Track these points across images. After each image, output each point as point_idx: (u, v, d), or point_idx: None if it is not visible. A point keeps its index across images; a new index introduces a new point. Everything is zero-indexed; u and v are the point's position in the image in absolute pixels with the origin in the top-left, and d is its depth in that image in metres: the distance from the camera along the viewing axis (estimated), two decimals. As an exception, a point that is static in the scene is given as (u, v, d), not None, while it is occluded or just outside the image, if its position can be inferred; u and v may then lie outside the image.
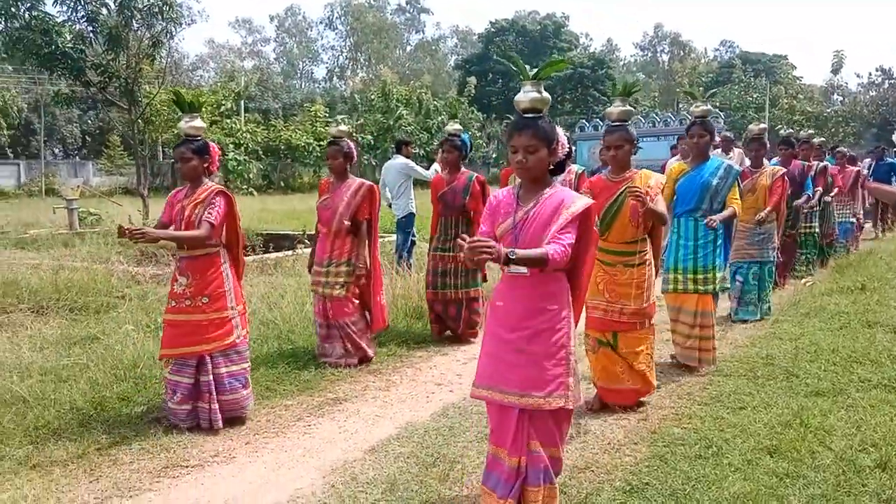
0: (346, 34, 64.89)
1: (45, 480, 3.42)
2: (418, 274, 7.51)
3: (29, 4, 12.72)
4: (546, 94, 2.90)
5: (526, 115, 2.85)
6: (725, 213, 5.06)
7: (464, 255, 2.44)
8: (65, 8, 12.92)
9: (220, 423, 4.04)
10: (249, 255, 9.49)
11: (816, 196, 8.70)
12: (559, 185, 2.91)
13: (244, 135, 31.79)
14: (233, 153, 30.93)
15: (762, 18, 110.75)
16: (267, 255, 9.90)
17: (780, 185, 6.65)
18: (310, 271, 5.54)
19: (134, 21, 12.77)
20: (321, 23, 66.24)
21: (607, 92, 47.87)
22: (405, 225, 8.90)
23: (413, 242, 9.00)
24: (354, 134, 35.18)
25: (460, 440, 3.88)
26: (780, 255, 7.16)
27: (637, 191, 3.92)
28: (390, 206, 9.06)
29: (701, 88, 49.07)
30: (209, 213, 4.04)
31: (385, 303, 5.67)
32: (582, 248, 2.90)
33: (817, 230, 9.01)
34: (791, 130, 9.43)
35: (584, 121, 21.72)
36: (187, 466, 3.61)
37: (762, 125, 7.07)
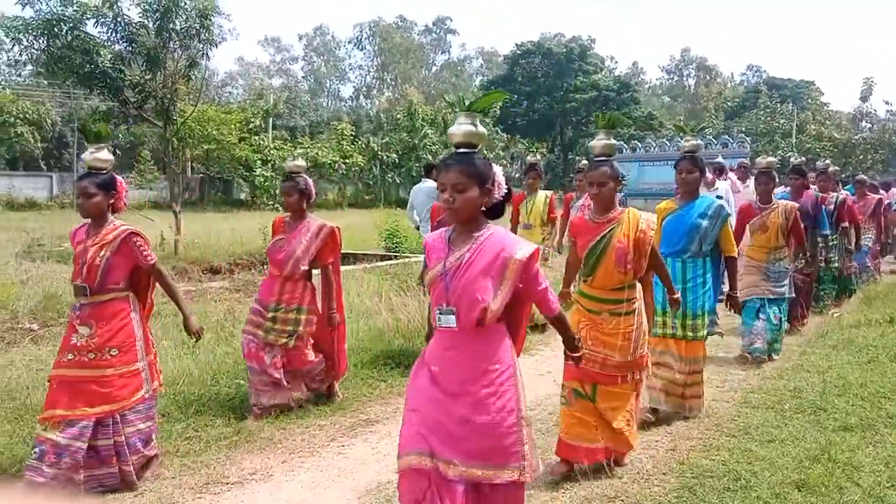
0: (374, 54, 65.68)
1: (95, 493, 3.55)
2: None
3: (71, 25, 13.06)
4: (481, 129, 2.65)
5: (458, 151, 2.60)
6: (732, 277, 4.96)
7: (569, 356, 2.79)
8: (105, 29, 13.27)
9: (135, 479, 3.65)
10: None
11: (851, 233, 8.60)
12: (493, 226, 2.61)
13: (271, 152, 32.30)
14: (260, 169, 31.44)
15: (790, 44, 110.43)
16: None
17: (797, 226, 6.35)
18: None
19: (171, 42, 13.09)
20: (349, 42, 67.11)
21: (632, 114, 48.05)
22: (433, 248, 9.05)
23: (440, 265, 9.14)
24: (379, 153, 35.80)
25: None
26: (794, 293, 6.70)
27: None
28: (418, 228, 9.22)
29: (723, 113, 48.62)
30: (145, 257, 3.74)
31: (345, 349, 5.23)
32: (523, 298, 2.65)
33: (836, 264, 8.63)
34: (802, 158, 9.04)
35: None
36: (227, 483, 3.73)
37: (770, 158, 6.67)
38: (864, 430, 4.40)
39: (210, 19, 13.41)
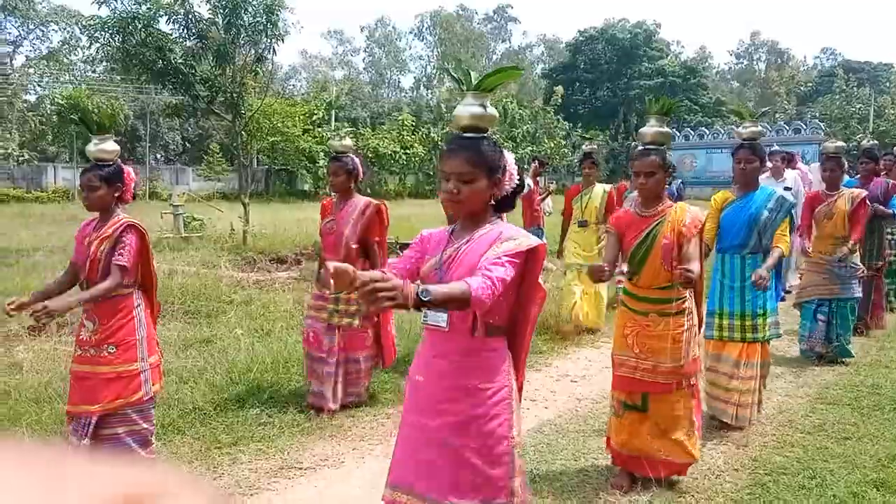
0: (434, 44, 65.72)
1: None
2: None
3: (144, 22, 13.51)
4: (491, 110, 2.34)
5: (465, 136, 2.31)
6: (770, 260, 4.31)
7: (356, 297, 1.88)
8: (177, 25, 13.70)
9: None
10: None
11: None
12: (503, 222, 2.34)
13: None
14: (323, 161, 31.93)
15: (867, 25, 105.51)
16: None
17: (863, 211, 5.88)
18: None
19: (240, 37, 13.41)
20: (410, 33, 67.34)
21: (699, 101, 46.87)
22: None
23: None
24: (440, 143, 35.87)
25: (558, 458, 3.97)
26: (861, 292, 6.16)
27: (688, 273, 3.20)
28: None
29: (794, 98, 46.79)
30: (119, 254, 3.50)
31: (394, 333, 5.09)
32: (525, 301, 2.32)
33: None
34: (875, 142, 8.12)
35: (674, 130, 21.38)
36: (301, 468, 3.85)
37: (838, 143, 6.19)
38: (948, 429, 4.23)
39: (277, 14, 13.68)
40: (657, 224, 3.47)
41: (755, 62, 69.95)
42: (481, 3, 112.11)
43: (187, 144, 43.49)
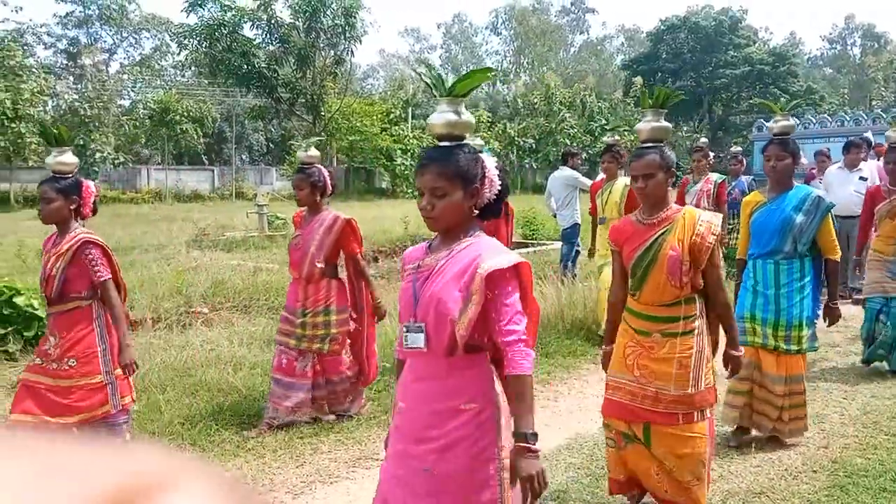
0: (510, 39, 65.50)
1: (259, 463, 3.94)
2: (582, 284, 7.61)
3: (230, 29, 14.10)
4: (466, 116, 2.22)
5: (438, 146, 2.19)
6: (832, 284, 4.11)
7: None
8: (260, 31, 14.25)
9: None
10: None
11: None
12: (483, 236, 2.19)
13: (411, 140, 33.20)
14: (400, 158, 32.41)
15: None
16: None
17: None
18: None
19: (319, 40, 13.82)
20: (486, 28, 67.33)
21: (789, 89, 45.02)
22: (570, 235, 9.01)
23: (577, 252, 9.09)
24: (516, 139, 35.82)
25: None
26: None
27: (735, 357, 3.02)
28: (555, 216, 9.24)
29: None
30: (95, 272, 3.50)
31: (376, 350, 4.79)
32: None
33: None
34: None
35: (762, 120, 20.64)
36: (378, 459, 3.98)
37: None
38: None
39: (354, 16, 14.05)
40: (662, 233, 3.03)
41: (849, 47, 66.53)
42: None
43: (271, 145, 44.89)
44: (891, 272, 5.31)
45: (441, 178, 2.08)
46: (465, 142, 2.20)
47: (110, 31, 44.29)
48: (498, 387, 2.14)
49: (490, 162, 2.21)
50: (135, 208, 24.34)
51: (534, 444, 2.05)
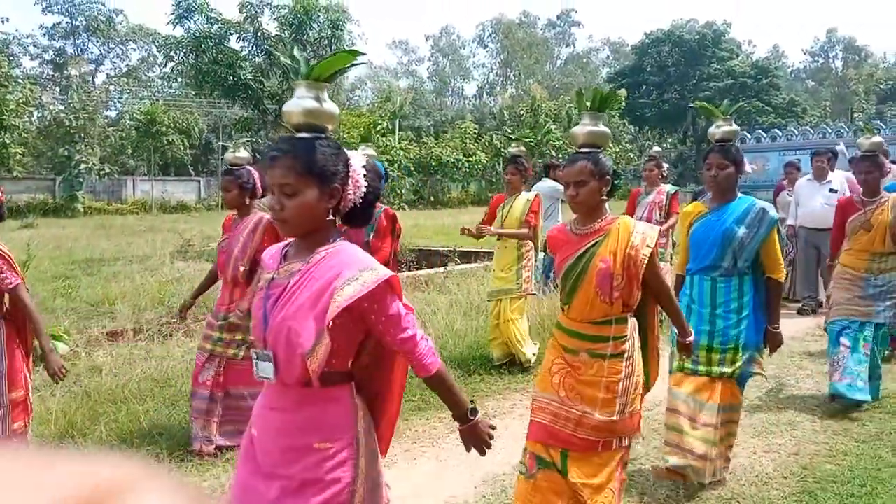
0: (497, 51, 65.94)
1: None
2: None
3: (216, 41, 14.15)
4: (330, 105, 1.94)
5: (294, 137, 1.91)
6: (775, 313, 3.68)
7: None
8: (246, 43, 14.31)
9: None
10: (403, 271, 10.05)
11: None
12: (345, 244, 1.93)
13: (398, 152, 33.30)
14: (389, 169, 32.49)
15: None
16: (419, 272, 10.42)
17: None
18: (181, 315, 4.80)
19: (306, 52, 13.89)
20: (473, 41, 67.75)
21: (772, 101, 45.53)
22: (553, 246, 9.10)
23: (561, 263, 9.18)
24: (503, 150, 36.00)
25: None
26: None
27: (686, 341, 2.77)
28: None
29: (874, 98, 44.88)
30: (2, 280, 3.29)
31: None
32: (385, 357, 2.02)
33: None
34: None
35: (745, 133, 20.88)
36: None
37: (875, 138, 5.09)
38: None
39: (341, 29, 14.14)
40: (593, 244, 2.85)
41: (831, 60, 67.45)
42: (544, 9, 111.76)
43: (258, 156, 44.79)
44: (863, 291, 4.93)
45: (292, 173, 1.81)
46: (325, 134, 1.93)
47: (97, 42, 44.28)
48: (362, 423, 1.93)
49: (357, 161, 1.94)
50: (120, 219, 24.25)
51: (475, 416, 2.05)
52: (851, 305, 4.95)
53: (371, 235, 4.84)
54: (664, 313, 3.17)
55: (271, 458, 1.88)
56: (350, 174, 1.91)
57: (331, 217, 1.91)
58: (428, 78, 68.47)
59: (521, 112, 38.27)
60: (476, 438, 2.09)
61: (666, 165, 8.13)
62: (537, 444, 2.91)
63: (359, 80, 63.30)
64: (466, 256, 11.68)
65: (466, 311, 7.38)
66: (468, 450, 2.12)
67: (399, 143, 34.70)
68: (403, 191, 32.65)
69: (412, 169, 33.77)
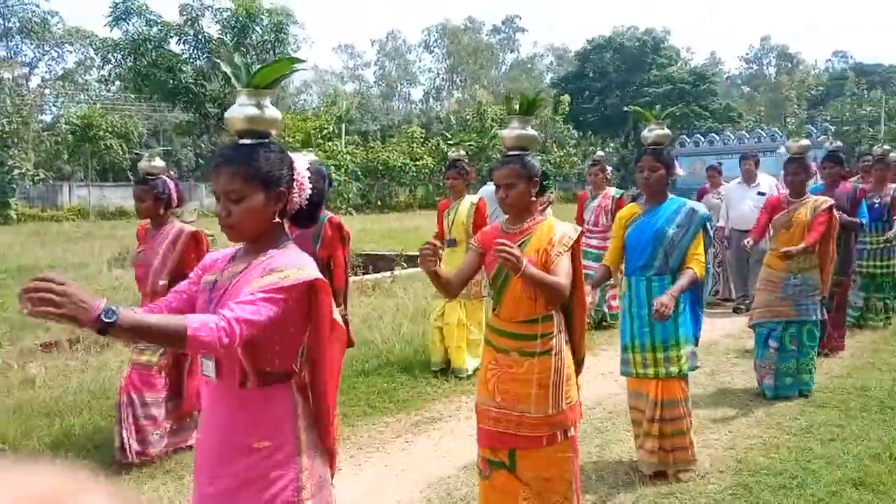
0: (443, 56, 66.16)
1: (178, 484, 3.88)
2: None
3: (155, 44, 13.85)
4: (272, 111, 1.97)
5: (238, 144, 1.93)
6: (679, 284, 3.60)
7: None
8: (187, 46, 14.05)
9: None
10: (350, 276, 9.98)
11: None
12: (290, 247, 1.95)
13: (344, 156, 33.10)
14: (334, 175, 32.27)
15: (880, 27, 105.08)
16: (366, 277, 10.38)
17: (823, 219, 5.09)
18: None
19: (248, 56, 13.72)
20: (420, 46, 67.83)
21: (709, 107, 46.86)
22: (498, 249, 9.18)
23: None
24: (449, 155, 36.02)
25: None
26: (825, 313, 5.43)
27: (504, 249, 2.61)
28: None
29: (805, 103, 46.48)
30: None
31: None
32: (316, 342, 1.98)
33: None
34: (839, 144, 7.14)
35: (684, 137, 21.44)
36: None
37: (802, 141, 5.32)
38: (931, 429, 4.32)
39: (285, 32, 14.00)
40: (520, 244, 2.92)
41: (765, 67, 69.83)
42: (489, 15, 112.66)
43: (200, 161, 44.00)
44: (783, 291, 5.16)
45: (237, 179, 1.84)
46: (268, 140, 1.96)
47: (31, 44, 42.76)
48: (302, 420, 1.93)
49: (301, 163, 1.98)
50: (56, 226, 23.44)
51: (106, 318, 1.54)
52: (774, 307, 5.18)
53: (318, 245, 4.77)
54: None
55: (214, 458, 1.89)
56: (294, 177, 1.94)
57: (277, 220, 1.95)
58: (374, 82, 68.29)
59: (468, 117, 38.49)
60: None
61: (609, 169, 8.31)
62: (486, 448, 3.02)
63: (304, 84, 62.76)
64: (413, 260, 11.68)
65: (413, 315, 7.39)
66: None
67: (345, 147, 34.48)
68: (350, 195, 32.48)
69: (359, 173, 33.60)
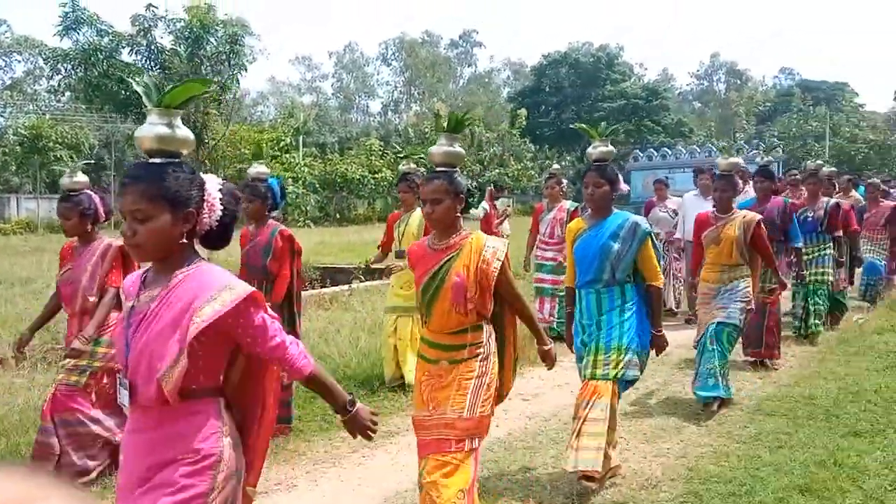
0: (401, 69, 66.33)
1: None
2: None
3: (106, 54, 13.62)
4: (184, 131, 1.97)
5: (146, 162, 1.92)
6: (654, 311, 3.89)
7: None
8: (139, 57, 13.84)
9: None
10: (307, 289, 9.92)
11: (843, 244, 7.34)
12: (204, 264, 1.95)
13: (302, 169, 32.89)
14: (291, 187, 32.02)
15: (824, 46, 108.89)
16: (324, 290, 10.32)
17: (759, 232, 5.26)
18: (18, 350, 4.49)
19: (202, 68, 13.58)
20: (377, 59, 67.89)
21: (662, 122, 47.89)
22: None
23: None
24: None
25: (505, 474, 4.12)
26: (747, 323, 5.47)
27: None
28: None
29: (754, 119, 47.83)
30: None
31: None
32: (255, 369, 2.05)
33: (830, 278, 7.45)
34: (770, 158, 7.27)
35: (637, 151, 21.89)
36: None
37: (733, 159, 5.47)
38: (873, 434, 4.47)
39: (240, 44, 13.88)
40: (448, 259, 3.00)
41: (715, 83, 71.63)
42: (447, 29, 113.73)
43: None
44: (716, 300, 5.24)
45: (143, 199, 1.83)
46: (178, 160, 1.95)
47: (-24, 52, 41.63)
48: (227, 439, 1.93)
49: (213, 184, 1.97)
50: (3, 240, 22.74)
51: (354, 406, 2.14)
52: (709, 315, 5.28)
53: (269, 258, 4.78)
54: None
55: (135, 480, 1.88)
56: (205, 198, 1.93)
57: (185, 241, 1.94)
58: (332, 94, 68.08)
59: (426, 130, 38.64)
60: (359, 425, 2.18)
61: (565, 182, 8.44)
62: (420, 460, 3.06)
63: (261, 96, 62.30)
64: (371, 273, 11.64)
65: (371, 328, 7.36)
66: (354, 436, 2.20)
67: (303, 159, 34.31)
68: (308, 207, 32.28)
69: (317, 185, 33.41)
